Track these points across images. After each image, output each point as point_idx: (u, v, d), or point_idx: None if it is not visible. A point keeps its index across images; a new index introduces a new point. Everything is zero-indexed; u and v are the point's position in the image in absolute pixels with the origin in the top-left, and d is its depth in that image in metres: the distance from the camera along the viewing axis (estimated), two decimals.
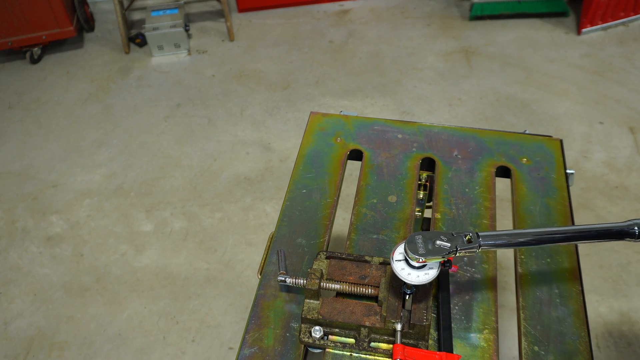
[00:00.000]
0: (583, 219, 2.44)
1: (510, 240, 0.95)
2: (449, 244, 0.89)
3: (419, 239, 0.90)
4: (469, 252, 0.91)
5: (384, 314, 0.96)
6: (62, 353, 2.12)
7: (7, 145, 3.04)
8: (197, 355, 2.09)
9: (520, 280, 1.11)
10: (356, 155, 1.43)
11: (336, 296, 1.06)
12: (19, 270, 2.41)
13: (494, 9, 3.69)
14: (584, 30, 3.54)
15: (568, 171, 1.34)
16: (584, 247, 2.32)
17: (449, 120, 3.00)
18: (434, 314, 1.05)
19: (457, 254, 0.90)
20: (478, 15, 3.72)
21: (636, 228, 0.97)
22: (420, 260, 0.88)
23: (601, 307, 2.13)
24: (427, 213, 1.47)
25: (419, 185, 1.39)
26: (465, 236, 0.91)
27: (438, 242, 0.90)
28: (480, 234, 0.92)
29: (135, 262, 2.41)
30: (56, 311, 2.25)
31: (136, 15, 4.01)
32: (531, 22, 3.71)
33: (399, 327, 0.95)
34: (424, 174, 1.41)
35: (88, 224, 2.58)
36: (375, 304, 1.01)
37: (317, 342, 1.00)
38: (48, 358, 2.10)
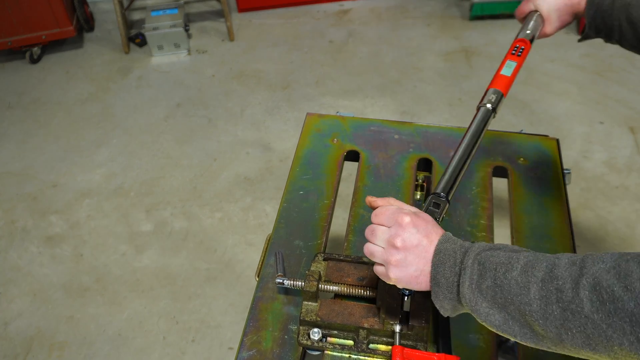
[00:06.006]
0: (583, 219, 2.44)
1: (453, 170, 0.99)
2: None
3: None
4: (444, 211, 0.92)
5: (383, 316, 0.96)
6: (62, 353, 2.12)
7: (7, 145, 3.04)
8: (197, 355, 2.09)
9: None
10: (353, 156, 1.43)
11: (334, 298, 1.07)
12: (18, 270, 2.41)
13: (494, 9, 3.68)
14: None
15: (565, 170, 1.35)
16: (583, 246, 2.32)
17: (449, 120, 3.00)
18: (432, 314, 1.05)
19: (440, 220, 0.90)
20: (478, 15, 3.72)
21: (488, 105, 1.06)
22: None
23: None
24: None
25: (416, 185, 1.39)
26: (431, 204, 0.92)
27: None
28: (436, 192, 0.94)
29: (135, 262, 2.41)
30: (56, 311, 2.26)
31: (136, 15, 4.01)
32: None
33: (397, 328, 0.96)
34: (421, 175, 1.41)
35: (88, 224, 2.58)
36: (374, 305, 1.01)
37: (315, 344, 1.00)
38: (48, 358, 2.11)
